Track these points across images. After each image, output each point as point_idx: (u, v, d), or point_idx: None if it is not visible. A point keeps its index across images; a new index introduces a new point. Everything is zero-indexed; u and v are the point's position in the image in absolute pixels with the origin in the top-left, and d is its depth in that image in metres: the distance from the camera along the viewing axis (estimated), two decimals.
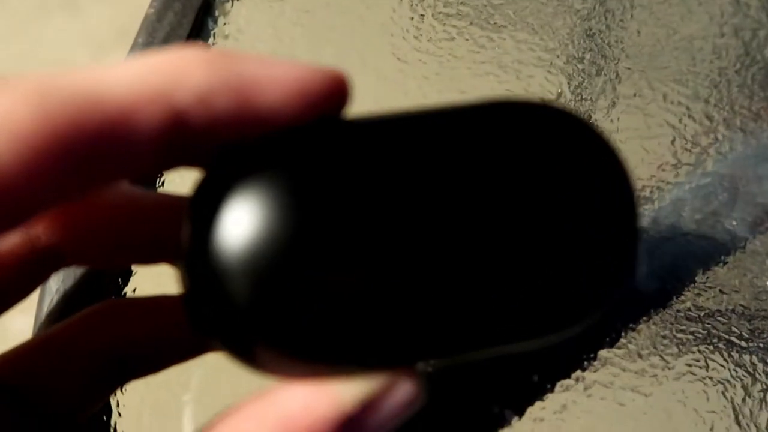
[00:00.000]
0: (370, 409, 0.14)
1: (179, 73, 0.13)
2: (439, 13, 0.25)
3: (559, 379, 0.21)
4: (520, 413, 0.21)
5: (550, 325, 0.14)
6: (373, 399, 0.14)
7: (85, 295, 0.23)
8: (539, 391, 0.21)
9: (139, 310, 0.19)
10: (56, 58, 0.78)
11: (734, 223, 0.23)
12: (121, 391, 0.22)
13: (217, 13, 0.24)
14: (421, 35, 0.25)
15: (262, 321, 0.13)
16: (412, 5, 0.25)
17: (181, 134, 0.13)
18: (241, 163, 0.14)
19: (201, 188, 0.14)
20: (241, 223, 0.13)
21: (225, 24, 0.24)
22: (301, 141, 0.14)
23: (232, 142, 0.14)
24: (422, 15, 0.25)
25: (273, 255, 0.13)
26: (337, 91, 0.14)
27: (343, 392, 0.14)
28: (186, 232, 0.14)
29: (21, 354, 0.18)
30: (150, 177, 0.15)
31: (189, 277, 0.14)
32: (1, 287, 0.17)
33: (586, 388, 0.21)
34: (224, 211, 0.13)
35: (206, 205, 0.14)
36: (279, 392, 0.14)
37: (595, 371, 0.21)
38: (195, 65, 0.13)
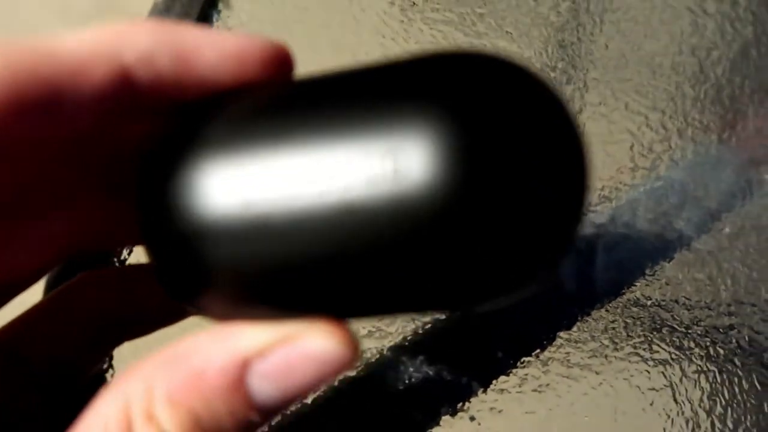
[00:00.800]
0: (276, 359, 0.14)
1: (126, 37, 0.14)
2: (427, 18, 0.27)
3: (520, 356, 0.23)
4: (485, 385, 0.23)
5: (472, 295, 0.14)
6: (275, 347, 0.14)
7: (85, 261, 0.24)
8: (503, 366, 0.23)
9: (130, 277, 0.20)
10: (32, 30, 0.76)
11: (682, 223, 0.25)
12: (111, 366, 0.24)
13: (220, 6, 0.26)
14: (409, 38, 0.26)
15: (219, 277, 0.14)
16: (402, 10, 0.27)
17: (128, 91, 0.14)
18: (186, 125, 0.15)
19: (149, 154, 0.15)
20: (183, 183, 0.14)
21: (228, 17, 0.26)
22: (244, 99, 0.15)
23: (178, 103, 0.15)
24: (411, 19, 0.27)
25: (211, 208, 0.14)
26: (276, 58, 0.15)
27: (245, 339, 0.14)
28: (140, 196, 0.15)
29: (22, 321, 0.19)
30: (100, 139, 0.16)
31: (148, 243, 0.15)
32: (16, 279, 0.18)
33: (543, 365, 0.23)
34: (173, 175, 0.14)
35: (154, 173, 0.15)
36: (186, 342, 0.15)
37: (553, 351, 0.23)
38: (140, 31, 0.15)
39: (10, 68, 0.13)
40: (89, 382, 0.21)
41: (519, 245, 0.13)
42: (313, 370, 0.14)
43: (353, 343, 0.14)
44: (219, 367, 0.14)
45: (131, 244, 0.20)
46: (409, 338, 0.23)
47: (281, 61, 0.15)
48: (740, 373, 0.23)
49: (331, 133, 0.13)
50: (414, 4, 0.27)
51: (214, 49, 0.15)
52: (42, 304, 0.19)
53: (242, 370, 0.14)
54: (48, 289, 0.23)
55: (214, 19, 0.26)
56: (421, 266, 0.13)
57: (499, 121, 0.13)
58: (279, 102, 0.14)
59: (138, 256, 0.25)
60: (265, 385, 0.14)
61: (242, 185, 0.14)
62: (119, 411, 0.14)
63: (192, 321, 0.21)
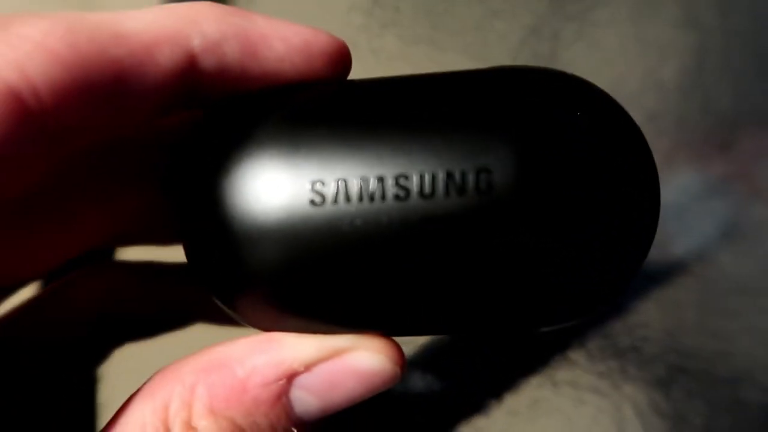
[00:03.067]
0: (322, 373, 0.14)
1: (194, 20, 0.14)
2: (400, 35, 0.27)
3: (529, 375, 0.23)
4: (494, 402, 0.22)
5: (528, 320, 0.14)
6: (322, 361, 0.14)
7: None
8: (513, 384, 0.23)
9: (133, 273, 0.20)
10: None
11: (679, 248, 0.26)
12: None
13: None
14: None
15: (269, 280, 0.13)
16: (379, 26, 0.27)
17: (193, 78, 0.14)
18: (239, 119, 0.14)
19: (195, 147, 0.14)
20: (249, 184, 0.13)
21: None
22: (303, 96, 0.14)
23: (237, 94, 0.14)
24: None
25: (277, 216, 0.13)
26: (338, 55, 0.15)
27: (290, 351, 0.14)
28: (183, 191, 0.14)
29: (18, 312, 0.18)
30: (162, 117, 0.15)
31: (196, 236, 0.14)
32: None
33: (554, 385, 0.23)
34: (234, 171, 0.13)
35: (201, 168, 0.14)
36: (227, 348, 0.14)
37: (563, 372, 0.23)
38: (208, 14, 0.14)
39: (77, 49, 0.12)
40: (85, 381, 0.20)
41: (594, 268, 0.13)
42: (358, 386, 0.14)
43: (401, 360, 0.14)
44: (263, 380, 0.13)
45: (162, 238, 0.19)
46: (419, 351, 0.22)
47: (343, 59, 0.15)
48: (744, 400, 0.23)
49: (406, 140, 0.13)
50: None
51: (282, 40, 0.14)
52: (40, 296, 0.18)
53: (287, 383, 0.13)
54: (46, 281, 0.22)
55: None
56: (493, 285, 0.13)
57: (583, 144, 0.13)
58: (345, 103, 0.13)
59: (132, 252, 0.23)
60: (307, 398, 0.14)
61: (303, 189, 0.13)
62: (157, 417, 0.13)
63: (197, 329, 0.20)
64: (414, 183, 0.12)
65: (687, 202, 0.27)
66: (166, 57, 0.13)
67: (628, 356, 0.23)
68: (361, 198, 0.13)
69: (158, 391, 0.13)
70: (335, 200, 0.13)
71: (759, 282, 0.25)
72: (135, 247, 0.20)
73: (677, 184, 0.27)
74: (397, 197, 0.12)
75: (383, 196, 0.12)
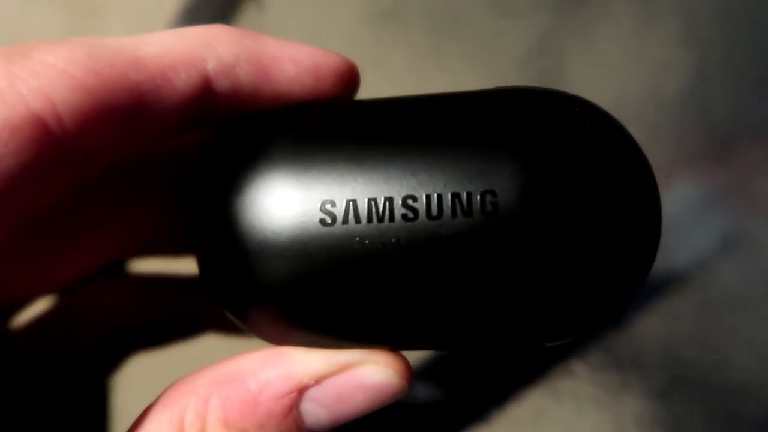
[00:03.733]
0: (332, 387, 0.14)
1: (208, 44, 0.14)
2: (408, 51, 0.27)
3: (531, 384, 0.23)
4: (497, 410, 0.23)
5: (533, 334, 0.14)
6: (332, 375, 0.14)
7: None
8: (515, 393, 0.23)
9: (146, 285, 0.20)
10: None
11: (679, 259, 0.26)
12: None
13: None
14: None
15: (280, 296, 0.13)
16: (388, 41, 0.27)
17: (207, 99, 0.14)
18: (250, 137, 0.14)
19: (207, 164, 0.14)
20: (264, 201, 0.13)
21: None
22: (313, 114, 0.14)
23: (246, 114, 0.15)
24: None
25: (294, 236, 0.13)
26: (347, 75, 0.15)
27: (301, 365, 0.14)
28: (196, 206, 0.14)
29: (39, 321, 0.19)
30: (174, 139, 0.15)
31: (209, 252, 0.14)
32: None
33: (557, 398, 0.23)
34: (248, 184, 0.13)
35: (213, 183, 0.14)
36: (239, 362, 0.14)
37: (566, 383, 0.23)
38: (222, 38, 0.14)
39: (99, 75, 0.13)
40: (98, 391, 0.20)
41: (598, 284, 0.13)
42: (366, 399, 0.14)
43: (408, 374, 0.14)
44: (275, 393, 0.14)
45: (175, 251, 0.20)
46: (424, 361, 0.23)
47: (352, 79, 0.15)
48: (743, 411, 0.23)
49: (414, 161, 0.13)
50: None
51: (293, 62, 0.15)
52: (55, 308, 0.19)
53: (298, 396, 0.14)
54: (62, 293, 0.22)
55: None
56: (499, 302, 0.13)
57: (584, 163, 0.13)
58: (354, 124, 0.14)
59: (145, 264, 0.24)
60: (316, 410, 0.14)
61: (313, 209, 0.13)
62: (173, 428, 0.14)
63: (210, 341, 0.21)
64: (422, 204, 0.13)
65: (687, 214, 0.27)
66: (183, 81, 0.14)
67: (629, 368, 0.24)
68: (370, 219, 0.13)
69: (174, 403, 0.14)
70: (345, 221, 0.13)
71: (757, 294, 0.25)
72: (149, 259, 0.21)
73: (677, 197, 0.27)
74: (405, 218, 0.13)
75: (392, 217, 0.13)
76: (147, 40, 0.14)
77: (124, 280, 0.20)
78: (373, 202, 0.13)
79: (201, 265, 0.15)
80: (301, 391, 0.14)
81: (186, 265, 0.20)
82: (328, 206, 0.13)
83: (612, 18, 0.30)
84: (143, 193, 0.18)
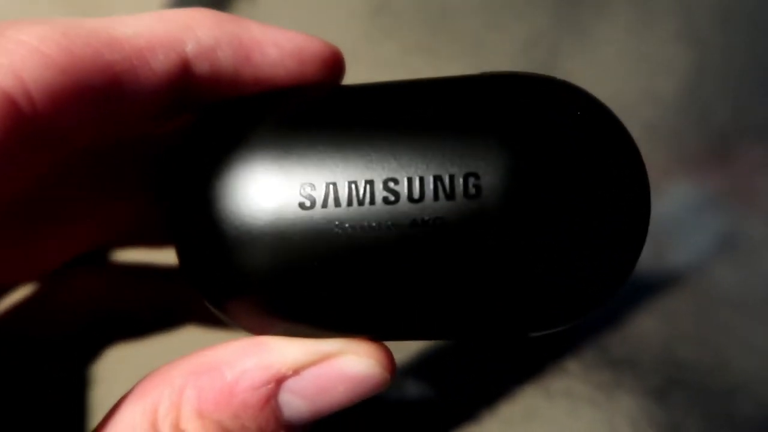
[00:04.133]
0: (311, 378, 0.14)
1: (188, 26, 0.14)
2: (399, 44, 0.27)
3: (524, 383, 0.23)
4: (488, 409, 0.22)
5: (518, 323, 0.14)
6: (311, 365, 0.14)
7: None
8: (506, 391, 0.23)
9: (125, 274, 0.20)
10: None
11: (675, 259, 0.26)
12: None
13: None
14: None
15: (258, 282, 0.13)
16: (379, 34, 0.27)
17: (187, 82, 0.14)
18: (231, 123, 0.14)
19: (186, 151, 0.14)
20: (242, 189, 0.13)
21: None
22: (295, 101, 0.14)
23: (227, 99, 0.14)
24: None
25: (275, 224, 0.13)
26: (331, 60, 0.15)
27: (279, 355, 0.14)
28: (175, 195, 0.14)
29: (16, 309, 0.19)
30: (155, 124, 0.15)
31: (187, 238, 0.14)
32: None
33: (549, 396, 0.23)
34: (229, 174, 0.13)
35: (192, 171, 0.14)
36: (216, 352, 0.14)
37: (558, 382, 0.23)
38: (202, 20, 0.14)
39: (72, 53, 0.12)
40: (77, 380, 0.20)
41: (583, 272, 0.13)
42: (347, 390, 0.14)
43: (391, 365, 0.14)
44: (251, 383, 0.13)
45: (156, 240, 0.19)
46: (413, 358, 0.22)
47: (336, 64, 0.15)
48: (739, 412, 0.23)
49: (395, 144, 0.13)
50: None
51: (276, 46, 0.14)
52: (32, 296, 0.19)
53: (275, 387, 0.13)
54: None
55: None
56: (482, 288, 0.13)
57: (571, 147, 0.13)
58: (336, 108, 0.14)
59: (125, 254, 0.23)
60: (296, 402, 0.14)
61: (293, 192, 0.13)
62: (146, 419, 0.13)
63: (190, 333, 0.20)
64: (403, 187, 0.13)
65: (683, 214, 0.27)
66: (160, 62, 0.13)
67: (624, 367, 0.23)
68: (350, 202, 0.13)
69: (148, 393, 0.13)
70: (324, 204, 0.13)
71: (756, 295, 0.25)
72: (131, 249, 0.20)
73: (675, 197, 0.27)
74: (386, 201, 0.13)
75: (372, 200, 0.13)
76: (125, 21, 0.13)
77: (104, 269, 0.19)
78: (353, 185, 0.13)
79: (180, 253, 0.14)
80: (278, 382, 0.13)
81: (168, 255, 0.20)
82: (308, 189, 0.13)
83: (610, 16, 0.30)
84: (124, 179, 0.17)
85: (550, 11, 0.30)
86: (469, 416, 0.22)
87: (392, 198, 0.13)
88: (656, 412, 0.23)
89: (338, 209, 0.13)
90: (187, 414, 0.13)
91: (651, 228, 0.27)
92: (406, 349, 0.23)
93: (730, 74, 0.29)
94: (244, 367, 0.13)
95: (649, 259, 0.25)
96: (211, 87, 0.14)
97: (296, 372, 0.13)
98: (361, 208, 0.13)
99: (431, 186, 0.12)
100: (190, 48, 0.14)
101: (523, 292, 0.13)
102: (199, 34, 0.14)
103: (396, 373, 0.14)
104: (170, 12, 0.14)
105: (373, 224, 0.13)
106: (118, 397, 0.14)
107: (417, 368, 0.23)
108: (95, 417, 0.19)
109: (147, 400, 0.13)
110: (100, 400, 0.20)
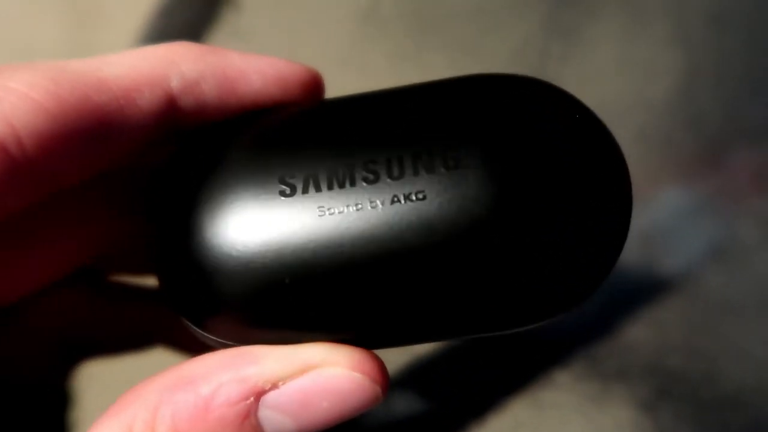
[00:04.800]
0: (291, 391, 0.13)
1: (172, 62, 0.14)
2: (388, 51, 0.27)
3: (511, 395, 0.23)
4: (475, 421, 0.22)
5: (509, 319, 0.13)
6: (291, 378, 0.13)
7: None
8: (494, 405, 0.22)
9: (98, 292, 0.20)
10: None
11: (669, 266, 0.25)
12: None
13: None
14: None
15: (243, 304, 0.13)
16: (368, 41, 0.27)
17: (173, 116, 0.14)
18: (212, 149, 0.14)
19: (169, 177, 0.14)
20: (227, 216, 0.13)
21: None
22: (271, 123, 0.14)
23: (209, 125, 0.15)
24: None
25: (255, 245, 0.13)
26: (312, 84, 0.15)
27: (257, 367, 0.13)
28: (158, 220, 0.14)
29: None
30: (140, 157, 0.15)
31: (160, 266, 0.14)
32: None
33: (538, 407, 0.23)
34: (211, 202, 0.13)
35: (174, 197, 0.14)
36: (193, 365, 0.13)
37: (547, 393, 0.23)
38: (186, 55, 0.14)
39: (61, 99, 0.13)
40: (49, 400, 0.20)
41: (564, 266, 0.13)
42: (332, 405, 0.13)
43: (381, 377, 0.13)
44: (227, 398, 0.13)
45: (137, 264, 0.19)
46: (400, 370, 0.22)
47: (316, 87, 0.15)
48: (731, 422, 0.23)
49: (380, 140, 0.13)
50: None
51: (258, 74, 0.15)
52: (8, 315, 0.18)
53: (253, 402, 0.13)
54: None
55: None
56: (464, 280, 0.13)
57: (551, 142, 0.13)
58: (317, 119, 0.14)
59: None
60: (278, 418, 0.13)
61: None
62: None
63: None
64: (383, 170, 0.13)
65: (675, 219, 0.26)
66: (146, 100, 0.14)
67: (614, 378, 0.23)
68: (330, 186, 0.13)
69: (122, 412, 0.13)
70: (305, 190, 0.13)
71: (747, 301, 0.25)
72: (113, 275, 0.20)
73: (665, 201, 0.27)
74: (366, 180, 0.13)
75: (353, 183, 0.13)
76: (109, 60, 0.14)
77: (75, 288, 0.19)
78: (334, 177, 0.13)
79: (158, 275, 0.14)
80: (257, 396, 0.13)
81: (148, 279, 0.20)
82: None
83: (600, 19, 0.30)
84: (109, 204, 0.17)
85: (540, 16, 0.30)
86: (456, 429, 0.22)
87: (372, 177, 0.13)
88: (646, 423, 0.23)
89: (320, 194, 0.13)
90: None
91: (641, 233, 0.26)
92: (392, 361, 0.23)
93: (722, 78, 0.29)
94: (220, 381, 0.13)
95: (639, 265, 0.25)
96: (197, 117, 0.14)
97: (274, 386, 0.13)
98: (342, 190, 0.13)
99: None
100: (174, 84, 0.14)
101: (504, 285, 0.13)
102: (183, 68, 0.14)
103: (389, 387, 0.13)
104: (153, 48, 0.14)
105: (358, 206, 0.13)
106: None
107: (403, 380, 0.22)
108: None
109: (121, 419, 0.13)
110: (82, 419, 0.19)
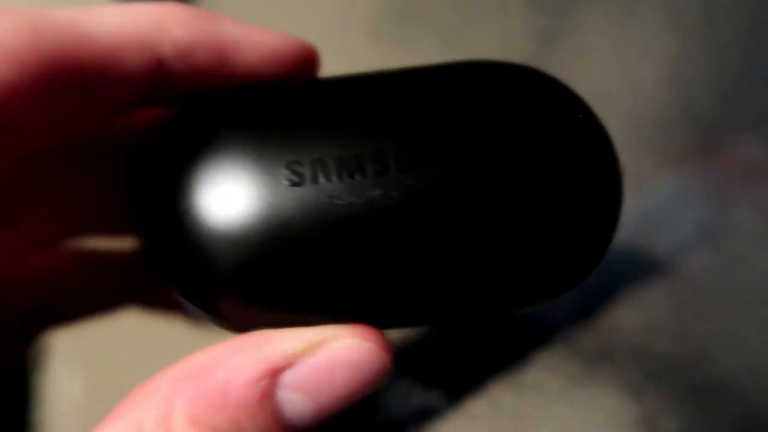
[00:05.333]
0: (308, 367, 0.13)
1: (163, 26, 0.13)
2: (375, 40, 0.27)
3: (493, 377, 0.22)
4: (454, 404, 0.22)
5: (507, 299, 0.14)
6: (306, 354, 0.13)
7: None
8: (474, 386, 0.22)
9: (58, 261, 0.19)
10: None
11: (658, 250, 0.25)
12: None
13: None
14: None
15: (237, 278, 0.13)
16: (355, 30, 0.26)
17: (161, 79, 0.14)
18: (202, 119, 0.14)
19: (158, 148, 0.14)
20: (217, 187, 0.13)
21: None
22: (266, 96, 0.14)
23: (205, 91, 0.14)
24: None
25: (248, 217, 0.13)
26: (306, 57, 0.15)
27: (271, 347, 0.13)
28: (145, 194, 0.14)
29: None
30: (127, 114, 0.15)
31: (152, 244, 0.14)
32: None
33: (518, 390, 0.22)
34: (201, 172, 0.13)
35: (164, 169, 0.14)
36: (204, 355, 0.13)
37: (528, 375, 0.22)
38: (178, 20, 0.14)
39: (40, 49, 0.12)
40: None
41: (563, 247, 0.13)
42: (348, 378, 0.13)
43: (388, 348, 0.13)
44: (245, 379, 0.12)
45: (108, 227, 0.19)
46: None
47: (311, 61, 0.15)
48: (718, 406, 0.22)
49: (373, 128, 0.13)
50: None
51: (252, 46, 0.14)
52: None
53: (271, 381, 0.13)
54: None
55: None
56: (468, 260, 0.13)
57: (538, 122, 0.14)
58: (314, 96, 0.14)
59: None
60: (296, 398, 0.13)
61: (280, 174, 0.13)
62: None
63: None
64: (391, 157, 0.13)
65: (667, 205, 0.26)
66: (134, 62, 0.13)
67: (599, 360, 0.22)
68: (340, 176, 0.13)
69: (131, 410, 0.12)
70: (314, 180, 0.13)
71: (740, 287, 0.24)
72: (92, 238, 0.20)
73: (657, 187, 0.26)
74: (376, 173, 0.13)
75: (363, 173, 0.13)
76: (96, 14, 0.13)
77: (47, 252, 0.19)
78: (340, 161, 0.13)
79: (154, 252, 0.14)
80: (274, 374, 0.13)
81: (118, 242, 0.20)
82: (295, 167, 0.13)
83: (590, 4, 0.29)
84: (90, 169, 0.17)
85: (529, 2, 0.29)
86: (432, 412, 0.21)
87: (381, 169, 0.13)
88: (633, 407, 0.22)
89: (329, 184, 0.13)
90: (179, 423, 0.12)
91: (634, 219, 0.26)
92: None
93: (715, 64, 0.29)
94: (235, 364, 0.13)
95: (629, 249, 0.25)
96: (187, 83, 0.14)
97: (291, 362, 0.13)
98: (351, 181, 0.13)
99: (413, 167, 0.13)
100: (165, 50, 0.13)
101: (505, 266, 0.13)
102: (175, 34, 0.14)
103: (393, 359, 0.14)
104: (143, 7, 0.14)
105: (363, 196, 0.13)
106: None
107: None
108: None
109: (129, 416, 0.12)
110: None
